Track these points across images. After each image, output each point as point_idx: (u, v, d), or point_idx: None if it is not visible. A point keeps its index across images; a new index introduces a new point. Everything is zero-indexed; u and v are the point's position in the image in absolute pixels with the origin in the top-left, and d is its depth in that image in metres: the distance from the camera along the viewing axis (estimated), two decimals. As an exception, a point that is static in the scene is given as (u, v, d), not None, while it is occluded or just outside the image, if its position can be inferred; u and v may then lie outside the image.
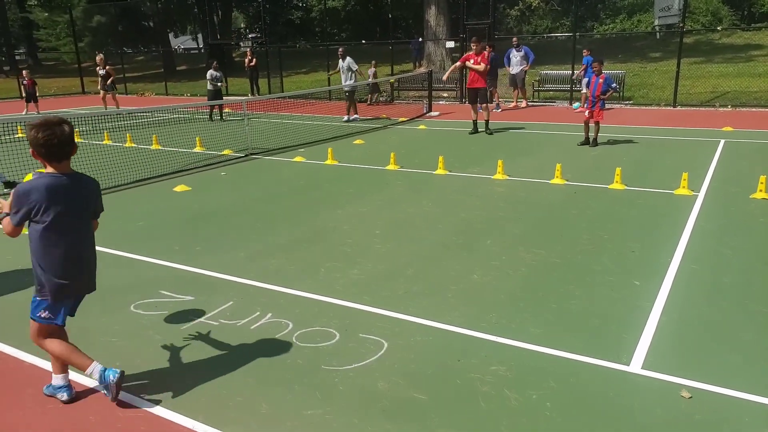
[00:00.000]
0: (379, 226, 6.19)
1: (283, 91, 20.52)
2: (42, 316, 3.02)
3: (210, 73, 15.24)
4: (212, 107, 15.25)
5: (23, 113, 16.70)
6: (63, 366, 3.18)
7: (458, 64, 12.56)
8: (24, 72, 17.72)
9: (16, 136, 12.29)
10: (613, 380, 3.28)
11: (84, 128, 13.60)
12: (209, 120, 15.11)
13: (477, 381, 3.29)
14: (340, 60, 14.74)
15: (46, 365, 3.52)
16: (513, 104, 16.89)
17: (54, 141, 2.82)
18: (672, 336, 3.75)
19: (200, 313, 4.19)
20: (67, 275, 2.97)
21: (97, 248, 5.50)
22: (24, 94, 17.17)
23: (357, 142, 11.70)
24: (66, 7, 31.35)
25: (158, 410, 3.08)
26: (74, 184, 2.96)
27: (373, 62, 18.81)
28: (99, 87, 17.19)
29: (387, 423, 2.94)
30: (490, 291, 4.51)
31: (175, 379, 3.37)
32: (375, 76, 18.23)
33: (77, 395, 3.21)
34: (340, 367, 3.44)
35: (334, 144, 11.15)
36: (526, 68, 16.32)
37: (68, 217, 2.93)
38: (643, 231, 5.85)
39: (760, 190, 6.88)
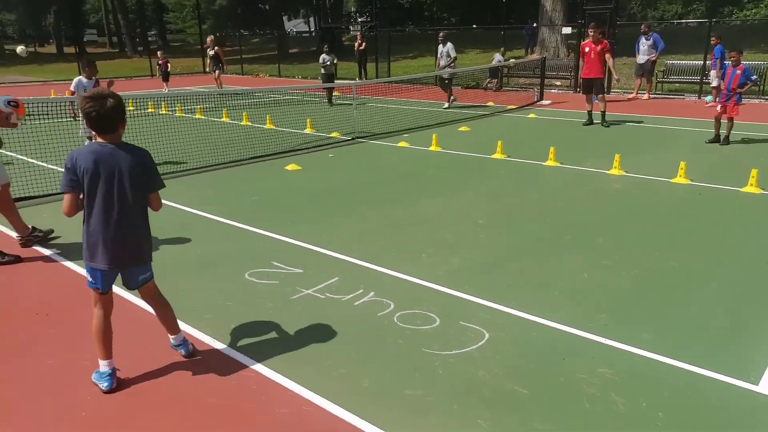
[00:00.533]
0: (483, 215, 6.10)
1: (389, 76, 20.70)
2: (88, 279, 3.12)
3: (322, 57, 15.45)
4: (328, 91, 15.41)
5: (164, 90, 17.82)
6: (176, 326, 3.40)
7: (581, 62, 11.91)
8: (159, 53, 19.00)
9: (148, 111, 13.39)
10: (737, 398, 3.03)
11: (206, 105, 14.54)
12: (329, 104, 15.13)
13: (582, 382, 3.17)
14: (440, 45, 14.51)
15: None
16: (633, 95, 15.91)
17: (93, 114, 2.89)
18: (809, 357, 3.39)
19: (308, 285, 4.37)
20: (101, 243, 3.00)
21: (217, 219, 5.98)
22: (160, 73, 18.37)
23: (462, 129, 11.58)
24: (194, -9, 33.50)
25: (269, 372, 3.26)
26: (118, 154, 2.97)
27: (502, 49, 18.50)
28: (209, 68, 17.98)
29: (486, 411, 2.92)
30: (600, 291, 4.32)
31: (285, 345, 3.55)
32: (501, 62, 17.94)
33: (194, 351, 3.48)
34: (440, 352, 3.45)
35: (438, 130, 11.10)
36: (654, 58, 15.28)
37: (108, 185, 2.95)
38: (778, 240, 5.32)
39: None
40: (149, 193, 3.12)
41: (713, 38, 14.01)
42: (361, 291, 4.27)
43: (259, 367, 3.31)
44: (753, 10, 24.26)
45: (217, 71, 17.31)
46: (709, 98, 14.58)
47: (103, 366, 3.13)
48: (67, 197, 3.00)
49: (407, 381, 3.18)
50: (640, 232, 5.60)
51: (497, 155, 8.88)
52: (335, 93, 15.91)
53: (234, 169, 8.39)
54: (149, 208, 3.18)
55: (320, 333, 3.69)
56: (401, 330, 3.72)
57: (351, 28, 37.60)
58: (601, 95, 11.62)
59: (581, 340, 3.62)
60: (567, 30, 19.60)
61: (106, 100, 2.91)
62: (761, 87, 14.99)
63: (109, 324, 3.17)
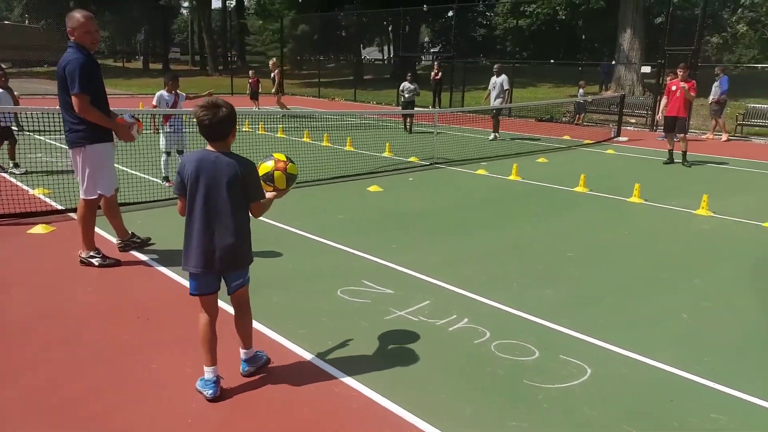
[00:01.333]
0: (572, 248, 6.00)
1: (463, 106, 20.81)
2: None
3: (404, 85, 15.39)
4: (405, 118, 15.48)
5: (254, 108, 18.08)
6: (250, 340, 3.39)
7: (665, 100, 11.74)
8: (251, 72, 19.56)
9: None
10: None
11: (286, 125, 15.03)
12: (405, 131, 15.12)
13: (695, 427, 3.04)
14: (494, 76, 14.22)
15: (269, 333, 3.95)
16: (707, 136, 15.69)
17: (206, 122, 2.98)
18: None
19: (400, 307, 4.40)
20: (194, 246, 3.07)
21: (306, 234, 6.13)
22: (249, 91, 18.91)
23: (540, 160, 11.47)
24: (278, 17, 34.98)
25: (370, 392, 3.26)
26: (221, 162, 3.03)
27: (581, 83, 18.59)
28: (274, 90, 17.86)
29: (597, 451, 2.84)
30: (703, 333, 4.15)
31: (383, 365, 3.56)
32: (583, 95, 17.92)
33: (301, 366, 3.54)
34: (542, 385, 3.39)
35: (517, 160, 11.03)
36: (715, 99, 15.27)
37: (206, 191, 3.03)
38: None
39: None
40: (249, 202, 3.16)
41: None
42: (455, 317, 4.26)
43: (359, 386, 3.31)
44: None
45: (278, 95, 17.66)
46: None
47: (208, 373, 3.18)
48: (179, 200, 3.17)
49: (511, 412, 3.13)
50: (738, 275, 5.37)
51: (580, 188, 8.74)
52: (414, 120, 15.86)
53: (318, 187, 8.60)
54: (250, 214, 3.22)
55: (417, 356, 3.69)
56: (500, 360, 3.68)
57: (422, 57, 38.12)
58: (682, 134, 11.32)
59: (688, 382, 3.48)
60: (646, 69, 19.27)
61: (219, 109, 3.01)
62: None
63: (214, 330, 3.21)
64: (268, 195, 3.30)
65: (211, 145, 3.10)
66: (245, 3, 48.93)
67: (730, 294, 4.90)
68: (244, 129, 14.29)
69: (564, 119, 19.04)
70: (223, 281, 3.24)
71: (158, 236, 5.79)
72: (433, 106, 19.54)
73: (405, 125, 15.49)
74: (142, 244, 5.64)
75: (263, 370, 3.44)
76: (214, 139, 3.08)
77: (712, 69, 16.12)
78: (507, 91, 14.34)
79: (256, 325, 3.92)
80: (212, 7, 46.20)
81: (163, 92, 8.25)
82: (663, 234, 6.70)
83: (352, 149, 12.02)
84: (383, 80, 31.72)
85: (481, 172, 10.01)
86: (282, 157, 3.43)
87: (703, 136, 15.84)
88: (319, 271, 5.13)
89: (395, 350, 3.77)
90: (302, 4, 36.67)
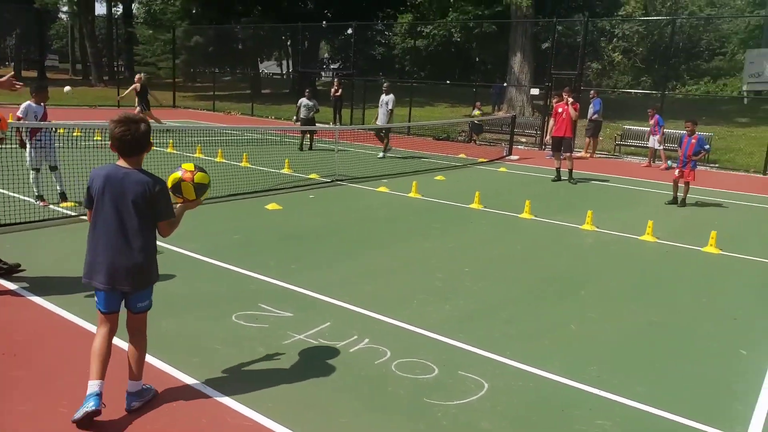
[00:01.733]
0: (468, 263, 6.17)
1: (363, 123, 21.01)
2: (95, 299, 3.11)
3: (302, 101, 14.95)
4: (303, 135, 15.06)
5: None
6: (141, 371, 3.21)
7: (552, 121, 12.55)
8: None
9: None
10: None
11: (177, 140, 14.34)
12: (300, 149, 14.74)
13: (584, 435, 3.20)
14: (383, 94, 14.24)
15: (159, 363, 3.68)
16: (581, 154, 17.03)
17: (128, 137, 2.94)
18: (794, 416, 3.52)
19: (299, 330, 4.28)
20: (98, 262, 3.00)
21: (197, 257, 5.84)
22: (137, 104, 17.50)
23: (438, 178, 11.80)
24: (170, 27, 33.53)
25: (266, 421, 3.13)
26: (129, 179, 2.99)
27: (477, 103, 19.41)
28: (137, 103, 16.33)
29: (495, 466, 2.89)
30: (589, 343, 4.40)
31: (282, 392, 3.44)
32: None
33: (193, 397, 3.32)
34: (441, 402, 3.42)
35: (416, 177, 11.25)
36: (589, 117, 16.69)
37: (112, 207, 2.98)
38: (744, 298, 5.60)
39: None
40: (157, 221, 3.10)
41: (651, 110, 15.46)
42: (356, 337, 4.21)
43: (255, 416, 3.17)
44: (694, 87, 26.33)
45: (139, 108, 16.35)
46: (671, 163, 15.54)
47: (92, 386, 2.95)
48: (88, 214, 3.10)
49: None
50: (620, 286, 5.78)
51: (475, 205, 9.06)
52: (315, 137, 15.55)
53: (212, 206, 8.21)
54: (158, 233, 3.16)
55: (317, 380, 3.60)
56: (400, 379, 3.67)
57: (322, 73, 38.22)
58: (568, 153, 12.13)
59: (576, 391, 3.66)
60: (535, 91, 20.57)
61: (139, 124, 2.97)
62: (706, 156, 16.03)
63: (110, 345, 3.07)
64: (178, 207, 3.22)
65: (125, 160, 3.02)
66: (134, 11, 46.53)
67: (613, 304, 5.25)
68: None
69: (460, 138, 19.76)
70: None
71: (30, 262, 5.24)
72: (334, 123, 19.55)
73: (302, 143, 15.08)
74: (10, 271, 5.08)
75: (150, 404, 3.21)
76: (129, 155, 3.01)
77: (596, 91, 17.57)
78: (390, 111, 14.22)
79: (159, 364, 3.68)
80: (96, 14, 43.48)
81: (31, 103, 7.55)
82: (552, 248, 7.09)
83: (249, 165, 11.68)
84: (282, 95, 31.38)
85: (382, 189, 10.11)
86: (190, 166, 3.33)
87: (578, 154, 17.01)
88: (213, 296, 4.89)
89: (294, 376, 3.64)
90: (196, 15, 35.46)
